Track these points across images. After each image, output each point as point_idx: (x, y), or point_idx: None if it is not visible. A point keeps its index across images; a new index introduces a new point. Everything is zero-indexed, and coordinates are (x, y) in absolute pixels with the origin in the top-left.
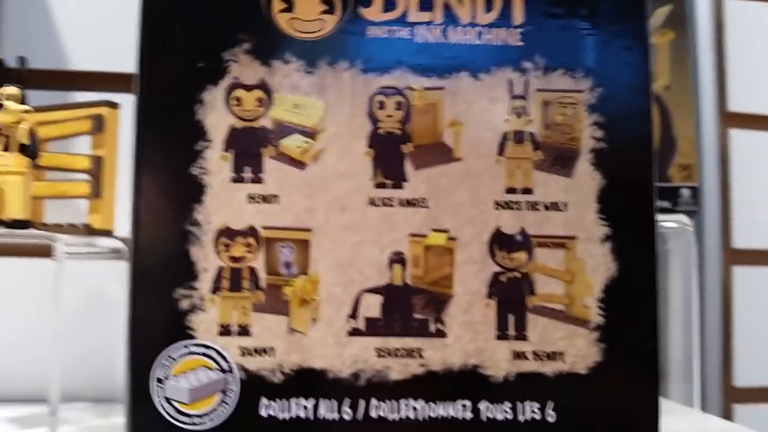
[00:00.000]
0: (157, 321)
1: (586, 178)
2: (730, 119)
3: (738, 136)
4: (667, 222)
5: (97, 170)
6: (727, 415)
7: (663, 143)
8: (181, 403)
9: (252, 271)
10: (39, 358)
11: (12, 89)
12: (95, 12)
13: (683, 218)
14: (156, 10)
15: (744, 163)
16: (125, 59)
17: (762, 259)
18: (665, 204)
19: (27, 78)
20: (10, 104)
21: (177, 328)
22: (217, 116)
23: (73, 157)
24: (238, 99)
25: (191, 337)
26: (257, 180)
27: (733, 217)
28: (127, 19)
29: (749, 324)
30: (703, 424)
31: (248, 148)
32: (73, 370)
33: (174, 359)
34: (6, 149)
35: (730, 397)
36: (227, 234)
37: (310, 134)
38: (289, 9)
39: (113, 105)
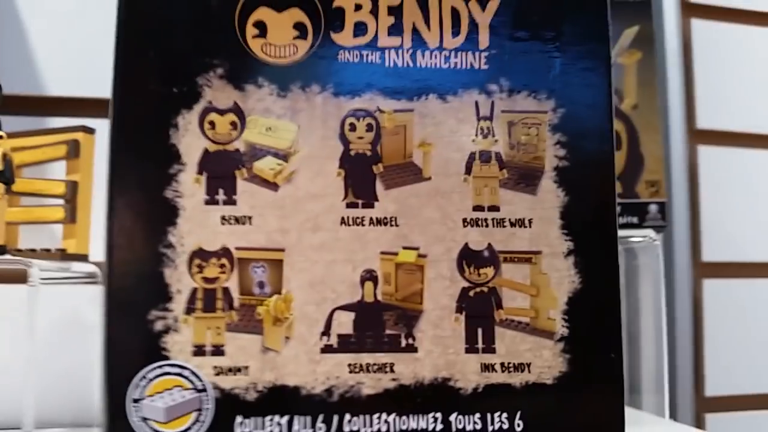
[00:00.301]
0: (132, 342)
1: (550, 195)
2: (699, 136)
3: (706, 152)
4: (634, 237)
5: (72, 195)
6: (699, 424)
7: (631, 160)
8: (157, 422)
9: (226, 291)
10: (13, 384)
11: None
12: (71, 37)
13: (650, 233)
14: (131, 36)
15: (712, 178)
16: (101, 85)
17: (731, 271)
18: (633, 219)
19: (0, 104)
20: None
21: (152, 349)
22: (191, 140)
23: (48, 183)
24: (211, 123)
25: (166, 357)
26: (231, 202)
27: (703, 230)
28: (102, 44)
29: (719, 335)
30: None
31: (222, 171)
32: (48, 395)
33: (149, 380)
34: None
35: (701, 406)
36: (201, 255)
37: (283, 156)
38: (262, 35)
39: (89, 130)
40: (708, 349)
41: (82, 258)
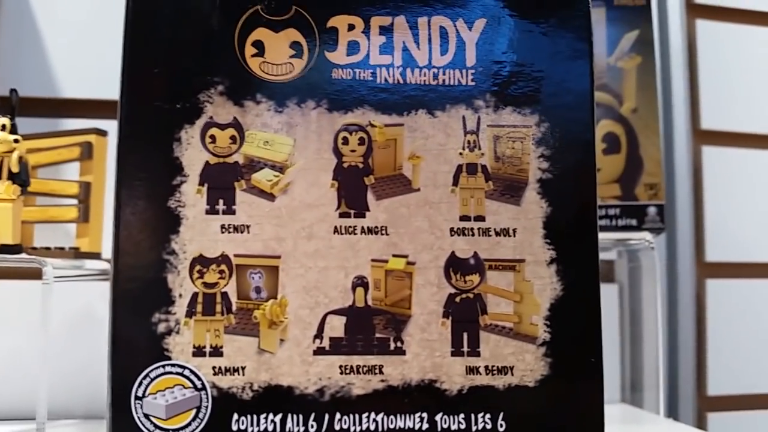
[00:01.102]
0: (136, 343)
1: (534, 206)
2: (703, 136)
3: (710, 153)
4: (632, 240)
5: (85, 196)
6: (701, 423)
7: (630, 163)
8: (158, 418)
9: (224, 296)
10: (27, 376)
11: (4, 120)
12: (83, 42)
13: (647, 236)
14: (137, 55)
15: (716, 179)
16: (112, 87)
17: (734, 271)
18: (632, 222)
19: (17, 109)
20: (2, 134)
21: (155, 350)
22: (193, 153)
23: (62, 183)
24: (212, 137)
25: (168, 357)
26: (230, 211)
27: (706, 230)
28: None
29: (722, 334)
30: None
31: (222, 182)
32: (60, 388)
33: (152, 378)
34: None
35: (703, 405)
36: (202, 262)
37: (280, 168)
38: (260, 54)
39: (101, 132)
40: (711, 349)
41: (95, 256)
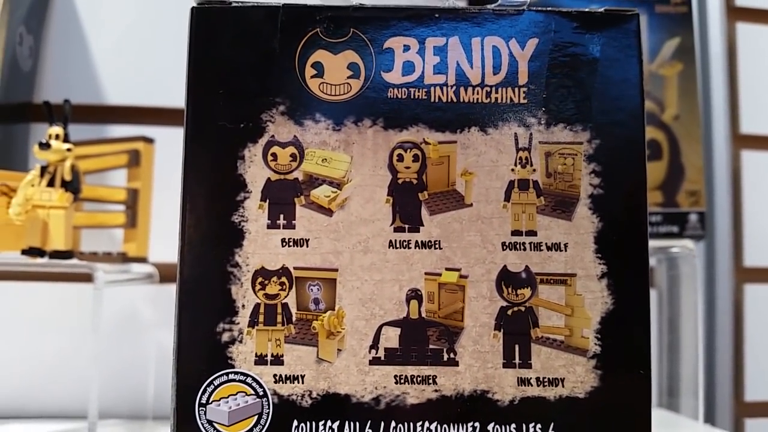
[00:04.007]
0: (201, 351)
1: (585, 221)
2: (743, 141)
3: (750, 157)
4: (674, 247)
5: (133, 202)
6: (738, 428)
7: (672, 170)
8: (221, 425)
9: (285, 306)
10: (77, 377)
11: (57, 129)
12: (130, 50)
13: (688, 243)
14: (202, 77)
15: (756, 183)
16: (159, 94)
17: None
18: (673, 229)
19: (70, 118)
20: (56, 144)
21: (219, 358)
22: (255, 170)
23: (110, 190)
24: (274, 155)
25: (231, 366)
26: (290, 226)
27: (745, 235)
28: (158, 55)
29: (760, 340)
30: None
31: (282, 198)
32: (107, 388)
33: (216, 386)
34: (50, 185)
35: (741, 411)
36: (263, 274)
37: (337, 185)
38: (319, 75)
39: (148, 140)
40: (748, 354)
41: (142, 260)
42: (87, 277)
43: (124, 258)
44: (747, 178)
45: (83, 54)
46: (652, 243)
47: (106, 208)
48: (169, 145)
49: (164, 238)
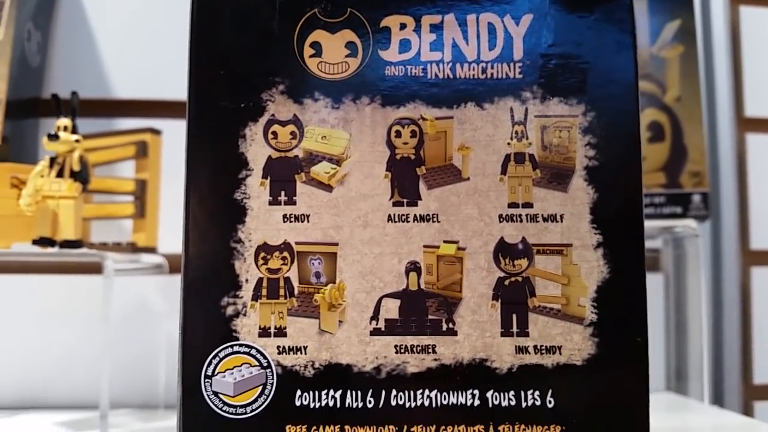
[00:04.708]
0: (206, 325)
1: (580, 192)
2: (747, 124)
3: (755, 140)
4: (676, 227)
5: (141, 192)
6: (747, 411)
7: (674, 152)
8: (226, 395)
9: (287, 281)
10: (88, 367)
11: (66, 121)
12: (136, 44)
13: (691, 223)
14: (204, 58)
15: (761, 166)
16: (166, 87)
17: None
18: (677, 210)
19: (78, 110)
20: (64, 135)
21: (224, 331)
22: (256, 148)
23: (119, 181)
24: (274, 133)
25: (236, 338)
26: (291, 202)
27: (751, 218)
28: (165, 49)
29: (767, 322)
30: (721, 419)
31: (283, 175)
32: (118, 378)
33: (221, 358)
34: (59, 175)
35: (749, 394)
36: (266, 249)
37: (337, 161)
38: (318, 54)
39: (156, 132)
40: (756, 337)
41: (151, 250)
42: (97, 269)
43: (133, 248)
44: (752, 162)
45: (90, 49)
46: (657, 223)
47: (115, 200)
48: (176, 137)
49: (173, 229)
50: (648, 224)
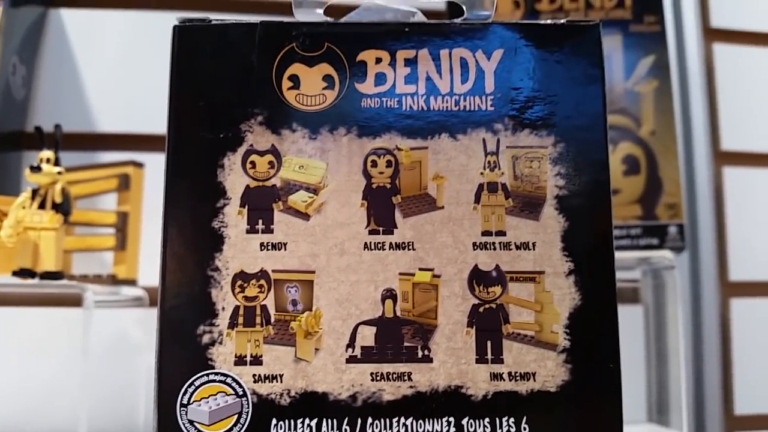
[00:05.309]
0: (181, 353)
1: (552, 221)
2: (724, 158)
3: (732, 174)
4: (652, 258)
5: (123, 225)
6: None
7: (650, 184)
8: (202, 424)
9: (264, 308)
10: (67, 399)
11: (48, 153)
12: (120, 80)
13: (667, 254)
14: (183, 89)
15: (738, 199)
16: (147, 121)
17: (758, 290)
18: (653, 241)
19: (61, 143)
20: (47, 167)
21: (199, 359)
22: (235, 178)
23: (100, 213)
24: (252, 162)
25: (212, 366)
26: (268, 230)
27: (729, 250)
28: (148, 85)
29: (748, 353)
30: None
31: (261, 204)
32: (98, 410)
33: (196, 386)
34: (41, 207)
35: (731, 425)
36: (242, 277)
37: (314, 190)
38: (296, 86)
39: (138, 165)
40: (737, 368)
41: (131, 283)
42: (77, 301)
43: (113, 280)
44: (729, 194)
45: (74, 83)
46: (633, 254)
47: (96, 232)
48: (159, 170)
49: (154, 262)
50: (625, 255)
